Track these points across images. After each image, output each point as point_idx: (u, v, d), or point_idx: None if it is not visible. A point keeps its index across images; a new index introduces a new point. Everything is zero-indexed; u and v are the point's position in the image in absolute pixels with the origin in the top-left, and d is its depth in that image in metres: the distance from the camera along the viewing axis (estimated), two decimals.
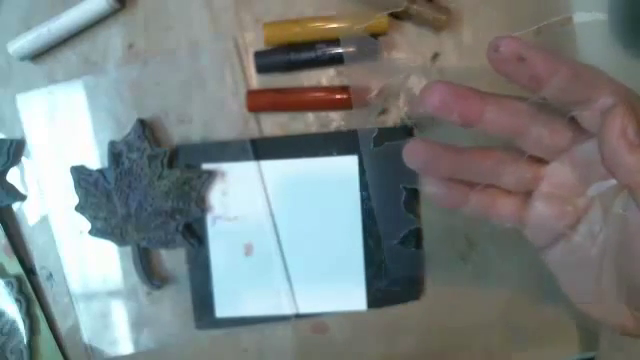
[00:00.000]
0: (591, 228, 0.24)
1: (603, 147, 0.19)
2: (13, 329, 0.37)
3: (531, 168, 0.25)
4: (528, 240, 0.26)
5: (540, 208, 0.25)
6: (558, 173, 0.24)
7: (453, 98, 0.23)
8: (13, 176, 0.37)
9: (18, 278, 0.37)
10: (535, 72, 0.20)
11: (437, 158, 0.25)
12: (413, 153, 0.25)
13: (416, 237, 0.35)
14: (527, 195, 0.25)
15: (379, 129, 0.34)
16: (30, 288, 0.37)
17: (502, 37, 0.20)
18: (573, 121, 0.23)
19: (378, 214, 0.34)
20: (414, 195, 0.34)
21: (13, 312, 0.37)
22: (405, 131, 0.34)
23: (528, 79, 0.21)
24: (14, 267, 0.37)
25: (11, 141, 0.36)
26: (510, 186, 0.25)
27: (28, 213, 0.37)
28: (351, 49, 0.34)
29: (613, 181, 0.23)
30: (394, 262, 0.35)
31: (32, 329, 0.37)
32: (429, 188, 0.26)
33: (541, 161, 0.25)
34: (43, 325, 0.37)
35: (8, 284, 0.36)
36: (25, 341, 0.37)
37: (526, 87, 0.21)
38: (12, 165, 0.37)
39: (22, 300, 0.37)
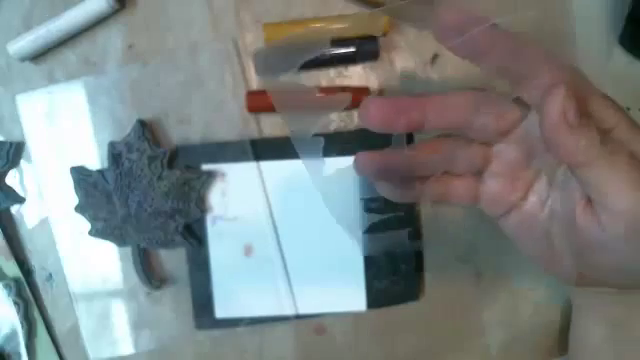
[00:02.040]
0: (539, 197, 0.25)
1: (544, 128, 0.20)
2: (11, 332, 0.37)
3: (480, 151, 0.26)
4: (484, 211, 0.27)
5: (492, 186, 0.26)
6: (505, 152, 0.25)
7: (393, 113, 0.23)
8: (12, 179, 0.37)
9: (16, 281, 0.37)
10: (475, 44, 0.21)
11: (388, 165, 0.25)
12: (363, 165, 0.25)
13: (385, 224, 0.34)
14: (478, 174, 0.26)
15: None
16: (28, 291, 0.37)
17: (445, 7, 0.21)
18: (518, 101, 0.23)
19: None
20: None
21: (11, 315, 0.36)
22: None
23: (470, 52, 0.21)
24: (12, 269, 0.37)
25: (11, 143, 0.36)
26: (462, 171, 0.27)
27: (26, 216, 0.37)
28: (351, 50, 0.34)
29: None
30: (368, 242, 0.35)
31: (30, 332, 0.37)
32: (384, 192, 0.27)
33: (488, 144, 0.26)
34: (41, 328, 0.37)
35: (6, 286, 0.36)
36: (23, 344, 0.36)
37: (469, 60, 0.22)
38: (11, 167, 0.36)
39: (20, 303, 0.36)
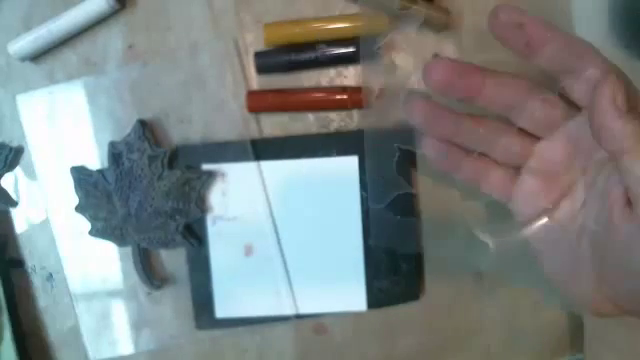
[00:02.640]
0: (573, 205, 0.25)
1: (593, 114, 0.21)
2: None
3: (521, 143, 0.26)
4: (514, 212, 0.27)
5: (527, 182, 0.26)
6: (547, 150, 0.26)
7: (455, 75, 0.24)
8: (7, 182, 0.37)
9: None
10: (531, 39, 0.22)
11: (437, 116, 0.26)
12: (415, 108, 0.26)
13: (406, 204, 0.34)
14: (517, 170, 0.27)
15: (378, 130, 0.34)
16: (2, 295, 0.36)
17: (503, 5, 0.22)
18: (563, 97, 0.24)
19: (369, 175, 0.34)
20: (408, 158, 0.34)
21: None
22: (404, 132, 0.34)
23: (523, 45, 0.22)
24: None
25: (10, 148, 0.36)
26: (500, 157, 0.27)
27: (19, 219, 0.37)
28: (351, 50, 0.34)
29: (598, 156, 0.24)
30: (379, 228, 0.34)
31: None
32: (427, 148, 0.27)
33: (532, 137, 0.26)
34: (7, 333, 0.36)
35: None
36: None
37: (521, 53, 0.23)
38: (8, 171, 0.37)
39: None
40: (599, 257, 0.23)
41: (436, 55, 0.34)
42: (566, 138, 0.25)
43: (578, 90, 0.23)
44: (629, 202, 0.21)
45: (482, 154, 0.27)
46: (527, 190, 0.26)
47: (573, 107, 0.24)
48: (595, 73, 0.22)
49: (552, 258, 0.26)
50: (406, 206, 0.34)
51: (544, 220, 0.26)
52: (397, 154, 0.33)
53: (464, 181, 0.28)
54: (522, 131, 0.26)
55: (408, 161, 0.34)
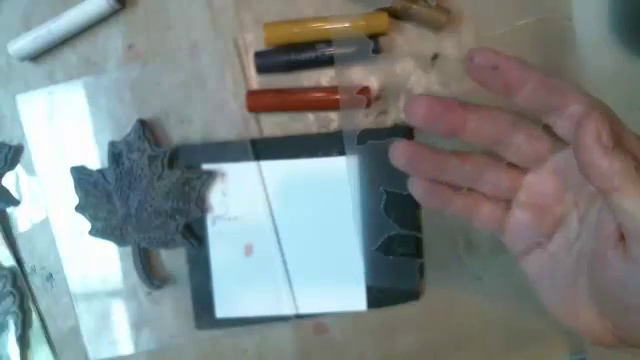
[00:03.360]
0: (567, 237, 0.24)
1: (579, 152, 0.20)
2: (4, 322, 0.36)
3: (510, 177, 0.26)
4: (507, 246, 0.27)
5: (518, 216, 0.26)
6: (536, 183, 0.25)
7: (437, 111, 0.24)
8: (8, 181, 0.37)
9: (12, 271, 0.37)
10: (508, 80, 0.22)
11: (422, 158, 0.26)
12: (399, 151, 0.26)
13: (398, 244, 0.35)
14: (508, 203, 0.26)
15: (379, 129, 0.34)
16: (24, 282, 0.37)
17: (476, 48, 0.22)
18: (549, 131, 0.24)
19: (358, 219, 0.34)
20: (397, 200, 0.34)
21: (6, 305, 0.36)
22: (405, 132, 0.34)
23: (502, 87, 0.22)
24: (8, 260, 0.37)
25: (10, 147, 0.36)
26: (489, 192, 0.26)
27: (21, 219, 0.37)
28: (350, 50, 0.34)
29: (589, 189, 0.23)
30: (372, 270, 0.35)
31: (24, 322, 0.37)
32: (414, 188, 0.27)
33: (520, 170, 0.26)
34: (35, 319, 0.37)
35: (2, 277, 0.36)
36: (17, 334, 0.36)
37: (500, 94, 0.22)
38: (8, 170, 0.37)
39: (16, 293, 0.36)
40: (598, 291, 0.23)
41: (436, 55, 0.34)
42: (554, 171, 0.24)
43: (562, 127, 0.22)
44: (622, 237, 0.21)
45: (471, 189, 0.27)
46: (518, 223, 0.26)
47: (559, 140, 0.24)
48: (578, 109, 0.21)
49: (550, 291, 0.26)
50: (395, 243, 0.35)
51: (538, 253, 0.25)
52: (384, 198, 0.34)
53: (455, 216, 0.27)
54: (510, 164, 0.25)
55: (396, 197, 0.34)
